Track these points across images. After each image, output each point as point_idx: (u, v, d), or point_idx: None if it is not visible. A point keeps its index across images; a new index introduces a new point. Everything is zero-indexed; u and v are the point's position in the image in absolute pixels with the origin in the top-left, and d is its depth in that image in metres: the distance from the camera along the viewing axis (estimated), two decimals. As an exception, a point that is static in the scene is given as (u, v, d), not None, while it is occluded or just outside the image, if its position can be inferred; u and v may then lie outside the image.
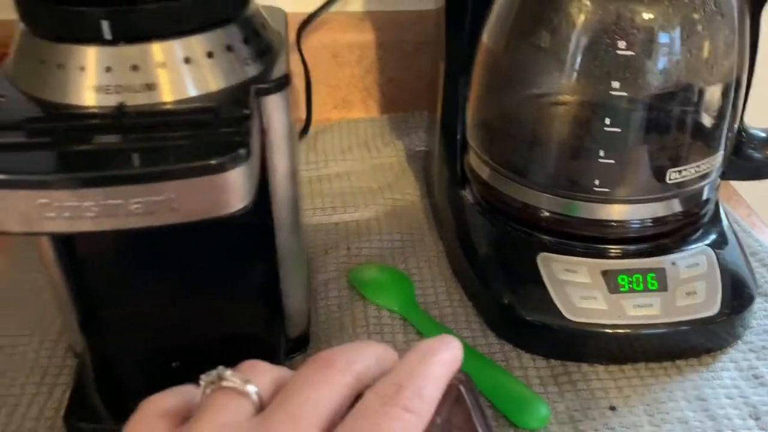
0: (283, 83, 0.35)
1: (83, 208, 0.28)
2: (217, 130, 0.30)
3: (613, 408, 0.40)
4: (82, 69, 0.31)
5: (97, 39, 0.31)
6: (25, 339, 0.44)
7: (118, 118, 0.30)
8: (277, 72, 0.35)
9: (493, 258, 0.47)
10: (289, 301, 0.42)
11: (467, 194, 0.50)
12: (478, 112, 0.47)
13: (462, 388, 0.24)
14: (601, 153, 0.43)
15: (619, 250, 0.44)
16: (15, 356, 0.43)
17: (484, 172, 0.48)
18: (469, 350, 0.43)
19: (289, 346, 0.43)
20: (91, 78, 0.31)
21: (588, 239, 0.45)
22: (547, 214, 0.45)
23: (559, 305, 0.42)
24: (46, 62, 0.32)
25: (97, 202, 0.28)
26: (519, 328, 0.44)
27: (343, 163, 0.62)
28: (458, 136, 0.51)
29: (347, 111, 0.72)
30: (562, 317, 0.42)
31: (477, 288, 0.47)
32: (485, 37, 0.45)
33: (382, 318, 0.46)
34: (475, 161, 0.48)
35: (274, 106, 0.35)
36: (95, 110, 0.31)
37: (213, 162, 0.28)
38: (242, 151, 0.29)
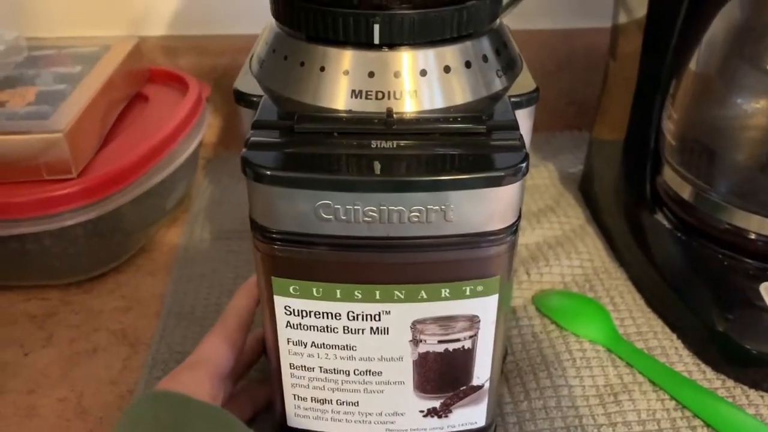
0: (534, 97, 0.33)
1: (363, 212, 0.27)
2: (489, 140, 0.28)
3: None
4: (346, 73, 0.30)
5: (364, 43, 0.29)
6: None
7: (389, 124, 0.29)
8: (526, 85, 0.33)
9: (702, 286, 0.43)
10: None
11: (661, 218, 0.47)
12: (685, 130, 0.45)
13: None
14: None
15: None
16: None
17: (686, 192, 0.45)
18: (695, 385, 0.40)
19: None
20: (354, 82, 0.30)
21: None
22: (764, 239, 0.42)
23: (792, 338, 0.39)
24: (307, 64, 0.30)
25: (378, 207, 0.27)
26: (741, 360, 0.41)
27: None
28: (649, 156, 0.48)
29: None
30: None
31: (685, 318, 0.43)
32: (699, 55, 0.43)
33: (586, 351, 0.43)
34: (675, 181, 0.46)
35: (522, 120, 0.33)
36: (362, 115, 0.29)
37: (499, 174, 0.27)
38: (523, 165, 0.28)
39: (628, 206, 0.50)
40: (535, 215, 0.56)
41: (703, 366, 0.42)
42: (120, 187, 0.47)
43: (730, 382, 0.41)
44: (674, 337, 0.44)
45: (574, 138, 0.66)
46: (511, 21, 0.36)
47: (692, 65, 0.44)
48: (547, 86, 0.69)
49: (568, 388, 0.40)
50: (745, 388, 0.40)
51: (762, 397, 0.40)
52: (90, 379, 0.43)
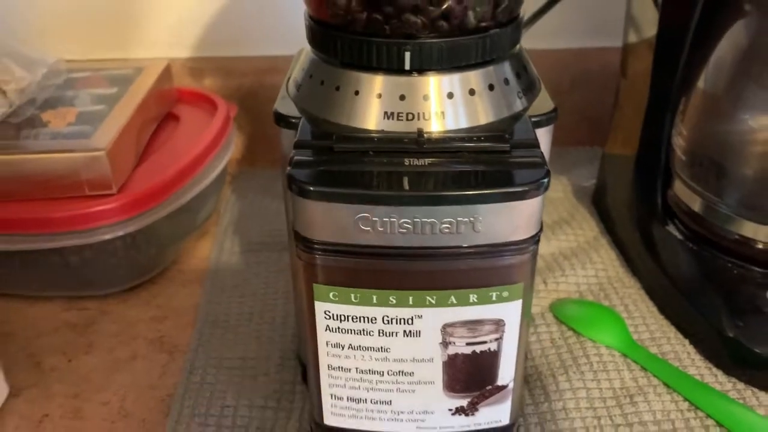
0: (553, 117, 0.36)
1: (398, 224, 0.30)
2: (513, 157, 0.31)
3: None
4: (379, 96, 0.32)
5: (395, 69, 0.32)
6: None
7: (420, 144, 0.31)
8: (545, 106, 0.36)
9: (713, 294, 0.45)
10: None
11: (673, 230, 0.49)
12: (694, 146, 0.47)
13: None
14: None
15: None
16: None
17: (696, 205, 0.47)
18: (708, 388, 0.42)
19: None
20: (386, 104, 0.32)
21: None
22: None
23: (799, 342, 0.41)
24: (343, 89, 0.33)
25: (412, 219, 0.29)
26: (751, 363, 0.43)
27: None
28: (660, 170, 0.50)
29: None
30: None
31: (697, 325, 0.45)
32: (707, 74, 0.45)
33: (603, 356, 0.45)
34: (686, 194, 0.48)
35: (542, 138, 0.35)
36: (394, 134, 0.32)
37: (524, 188, 0.30)
38: (545, 181, 0.30)
39: (640, 218, 0.53)
40: (551, 227, 0.58)
41: (714, 369, 0.44)
42: (157, 202, 0.50)
43: (740, 385, 0.43)
44: (686, 342, 0.46)
45: (587, 153, 0.68)
46: (526, 41, 0.39)
47: (700, 83, 0.46)
48: (561, 103, 0.70)
49: (586, 391, 0.42)
50: (755, 390, 0.42)
51: (772, 399, 0.42)
52: (131, 384, 0.45)
